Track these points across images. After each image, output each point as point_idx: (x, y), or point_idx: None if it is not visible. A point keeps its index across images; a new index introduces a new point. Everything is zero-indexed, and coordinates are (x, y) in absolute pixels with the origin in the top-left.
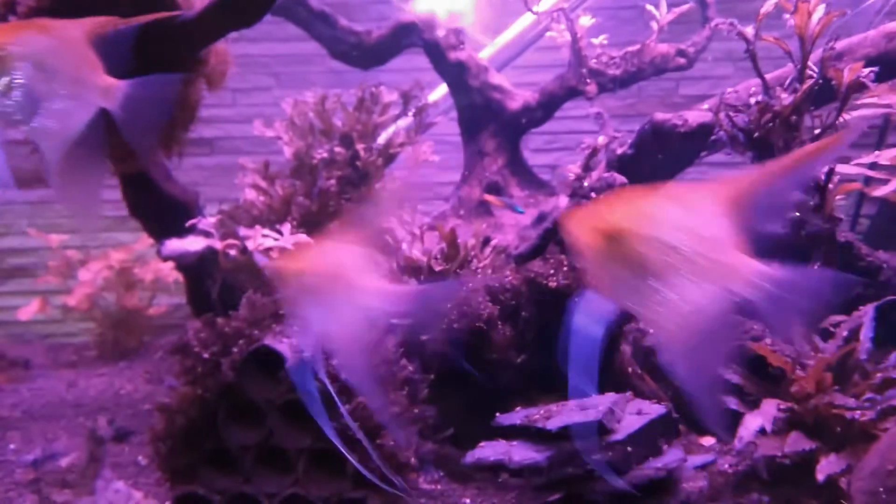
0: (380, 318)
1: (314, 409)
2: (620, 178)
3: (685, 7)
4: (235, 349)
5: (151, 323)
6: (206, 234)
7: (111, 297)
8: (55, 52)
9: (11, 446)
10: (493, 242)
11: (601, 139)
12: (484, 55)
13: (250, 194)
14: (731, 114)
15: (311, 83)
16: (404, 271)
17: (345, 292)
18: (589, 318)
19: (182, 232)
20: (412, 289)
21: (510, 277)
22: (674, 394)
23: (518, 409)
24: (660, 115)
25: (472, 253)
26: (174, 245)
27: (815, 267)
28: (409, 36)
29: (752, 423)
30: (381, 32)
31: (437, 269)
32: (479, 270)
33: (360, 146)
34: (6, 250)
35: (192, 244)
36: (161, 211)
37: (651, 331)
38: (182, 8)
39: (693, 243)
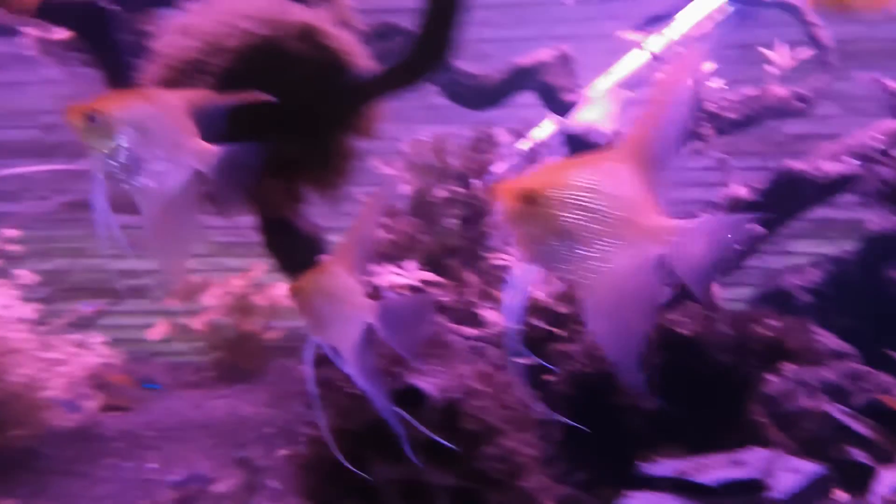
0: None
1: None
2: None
3: (806, 54)
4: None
5: (266, 346)
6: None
7: (229, 321)
8: (156, 119)
9: (149, 465)
10: None
11: (734, 188)
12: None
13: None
14: (872, 165)
15: (409, 118)
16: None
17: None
18: (515, 285)
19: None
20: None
21: None
22: (801, 444)
23: (659, 459)
24: (794, 165)
25: None
26: None
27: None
28: (526, 79)
29: (888, 478)
30: (501, 76)
31: (562, 311)
32: None
33: (475, 184)
34: (122, 272)
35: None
36: (294, 247)
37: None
38: (352, 68)
39: (607, 204)
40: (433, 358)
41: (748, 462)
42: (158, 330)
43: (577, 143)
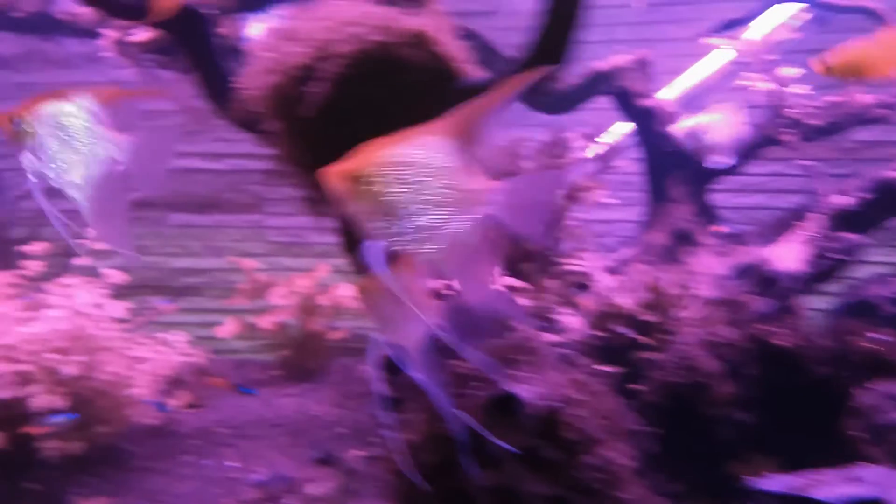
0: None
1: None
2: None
3: None
4: (472, 392)
5: (331, 346)
6: None
7: (295, 320)
8: (71, 115)
9: (229, 463)
10: (700, 293)
11: (834, 196)
12: (667, 97)
13: None
14: None
15: None
16: (605, 318)
17: None
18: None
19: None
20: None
21: (727, 332)
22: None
23: (762, 472)
24: (890, 174)
25: (678, 303)
26: None
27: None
28: (602, 83)
29: None
30: (577, 81)
31: (644, 319)
32: (689, 322)
33: None
34: (181, 270)
35: None
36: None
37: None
38: (462, 74)
39: (427, 174)
40: (522, 364)
41: (865, 479)
42: (228, 328)
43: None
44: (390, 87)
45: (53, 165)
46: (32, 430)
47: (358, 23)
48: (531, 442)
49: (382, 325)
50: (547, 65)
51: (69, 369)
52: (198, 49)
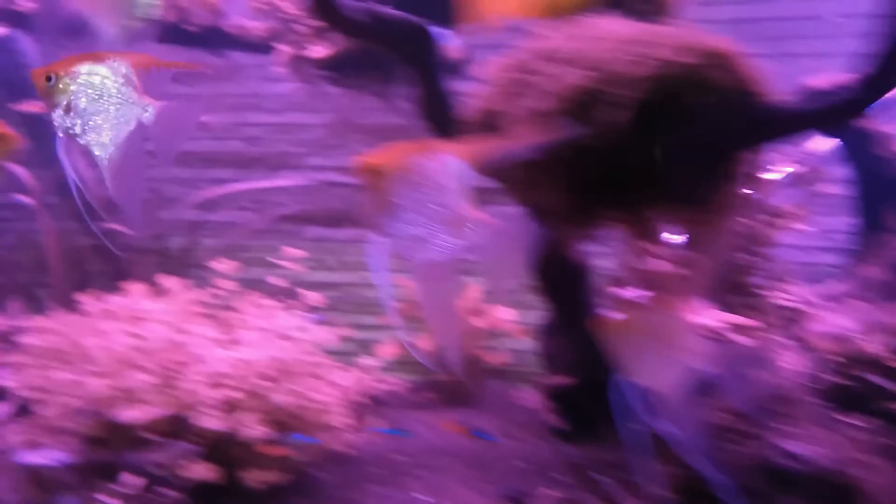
0: None
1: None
2: None
3: None
4: (736, 446)
5: (488, 369)
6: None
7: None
8: (106, 77)
9: (420, 497)
10: None
11: None
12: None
13: (652, 262)
14: None
15: None
16: (848, 363)
17: None
18: (375, 260)
19: (580, 298)
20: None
21: None
22: None
23: None
24: None
25: None
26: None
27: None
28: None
29: None
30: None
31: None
32: None
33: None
34: (314, 284)
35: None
36: (565, 279)
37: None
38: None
39: (437, 190)
40: (785, 417)
41: None
42: (388, 349)
43: None
44: (694, 113)
45: (82, 124)
46: (271, 451)
47: (648, 42)
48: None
49: (631, 366)
50: (873, 98)
51: (282, 397)
52: (422, 67)
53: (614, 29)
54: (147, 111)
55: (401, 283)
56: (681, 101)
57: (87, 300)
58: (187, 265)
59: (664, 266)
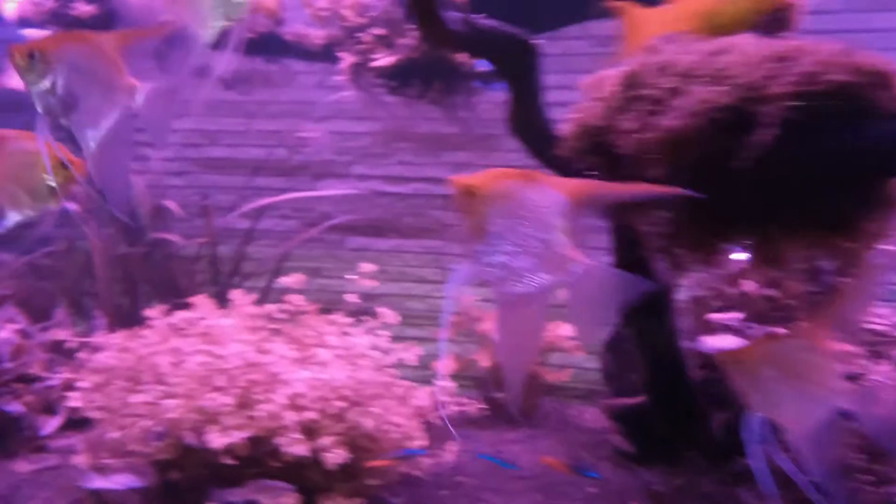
0: None
1: None
2: None
3: None
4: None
5: (543, 386)
6: (737, 331)
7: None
8: (89, 57)
9: None
10: None
11: None
12: None
13: (748, 286)
14: None
15: None
16: None
17: None
18: (456, 280)
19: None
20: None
21: None
22: None
23: None
24: None
25: None
26: (712, 343)
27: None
28: None
29: None
30: None
31: None
32: None
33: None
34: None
35: (731, 344)
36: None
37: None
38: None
39: (532, 218)
40: None
41: None
42: (447, 364)
43: None
44: (853, 136)
45: (66, 105)
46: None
47: (793, 58)
48: None
49: (759, 399)
50: None
51: (363, 420)
52: (521, 81)
53: (752, 44)
54: (133, 93)
55: (462, 300)
56: (831, 119)
57: (154, 314)
58: (236, 274)
59: (798, 293)
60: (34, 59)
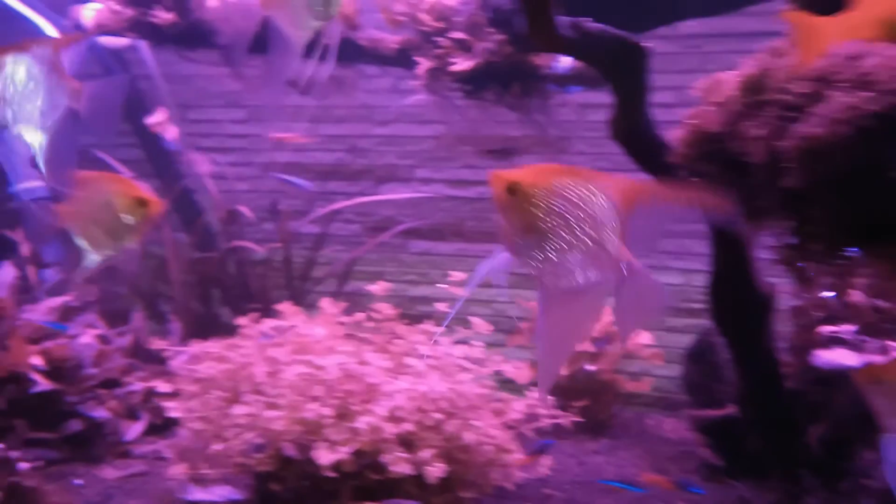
0: None
1: None
2: None
3: None
4: None
5: (621, 396)
6: (856, 347)
7: (586, 366)
8: (32, 61)
9: None
10: None
11: None
12: None
13: (856, 296)
14: None
15: None
16: None
17: None
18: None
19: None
20: None
21: None
22: None
23: None
24: None
25: None
26: (827, 357)
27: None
28: None
29: None
30: None
31: None
32: None
33: None
34: (417, 298)
35: (847, 358)
36: (748, 309)
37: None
38: None
39: (582, 216)
40: None
41: None
42: (525, 373)
43: None
44: None
45: (13, 113)
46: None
47: None
48: None
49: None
50: None
51: (462, 433)
52: (629, 86)
53: (890, 48)
54: (74, 94)
55: (524, 304)
56: None
57: (246, 323)
58: (307, 279)
59: None
60: None
